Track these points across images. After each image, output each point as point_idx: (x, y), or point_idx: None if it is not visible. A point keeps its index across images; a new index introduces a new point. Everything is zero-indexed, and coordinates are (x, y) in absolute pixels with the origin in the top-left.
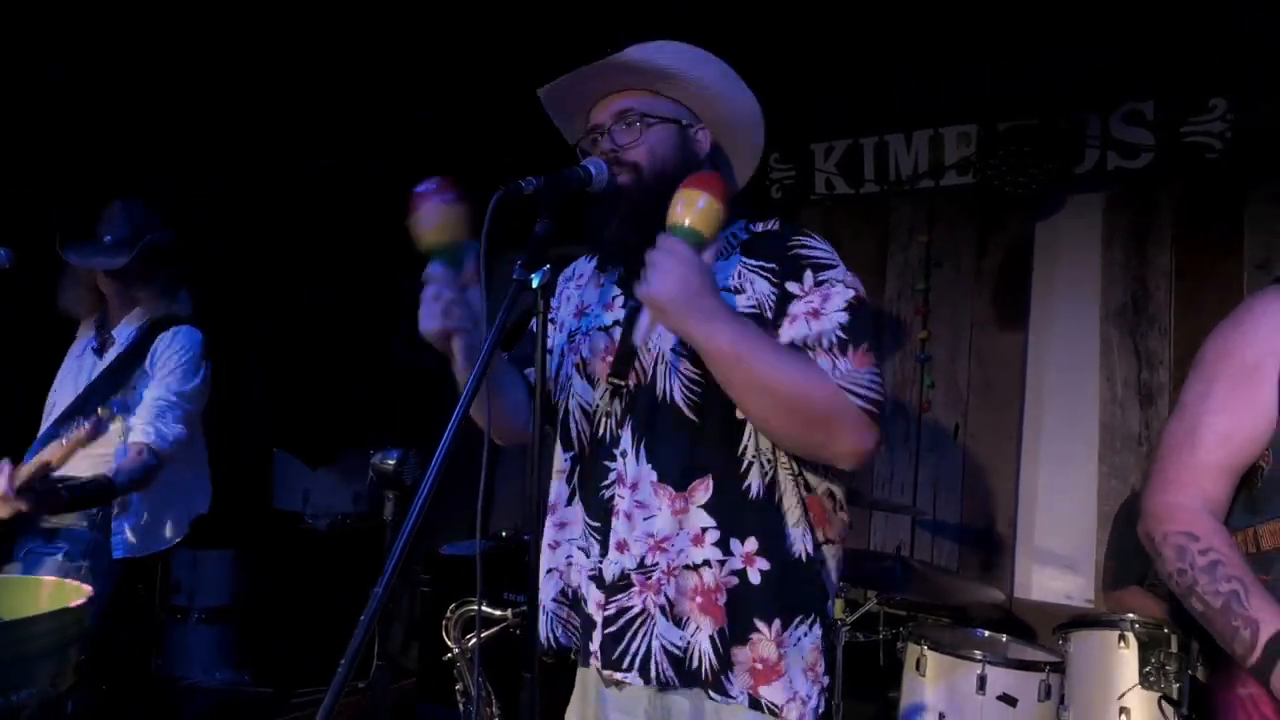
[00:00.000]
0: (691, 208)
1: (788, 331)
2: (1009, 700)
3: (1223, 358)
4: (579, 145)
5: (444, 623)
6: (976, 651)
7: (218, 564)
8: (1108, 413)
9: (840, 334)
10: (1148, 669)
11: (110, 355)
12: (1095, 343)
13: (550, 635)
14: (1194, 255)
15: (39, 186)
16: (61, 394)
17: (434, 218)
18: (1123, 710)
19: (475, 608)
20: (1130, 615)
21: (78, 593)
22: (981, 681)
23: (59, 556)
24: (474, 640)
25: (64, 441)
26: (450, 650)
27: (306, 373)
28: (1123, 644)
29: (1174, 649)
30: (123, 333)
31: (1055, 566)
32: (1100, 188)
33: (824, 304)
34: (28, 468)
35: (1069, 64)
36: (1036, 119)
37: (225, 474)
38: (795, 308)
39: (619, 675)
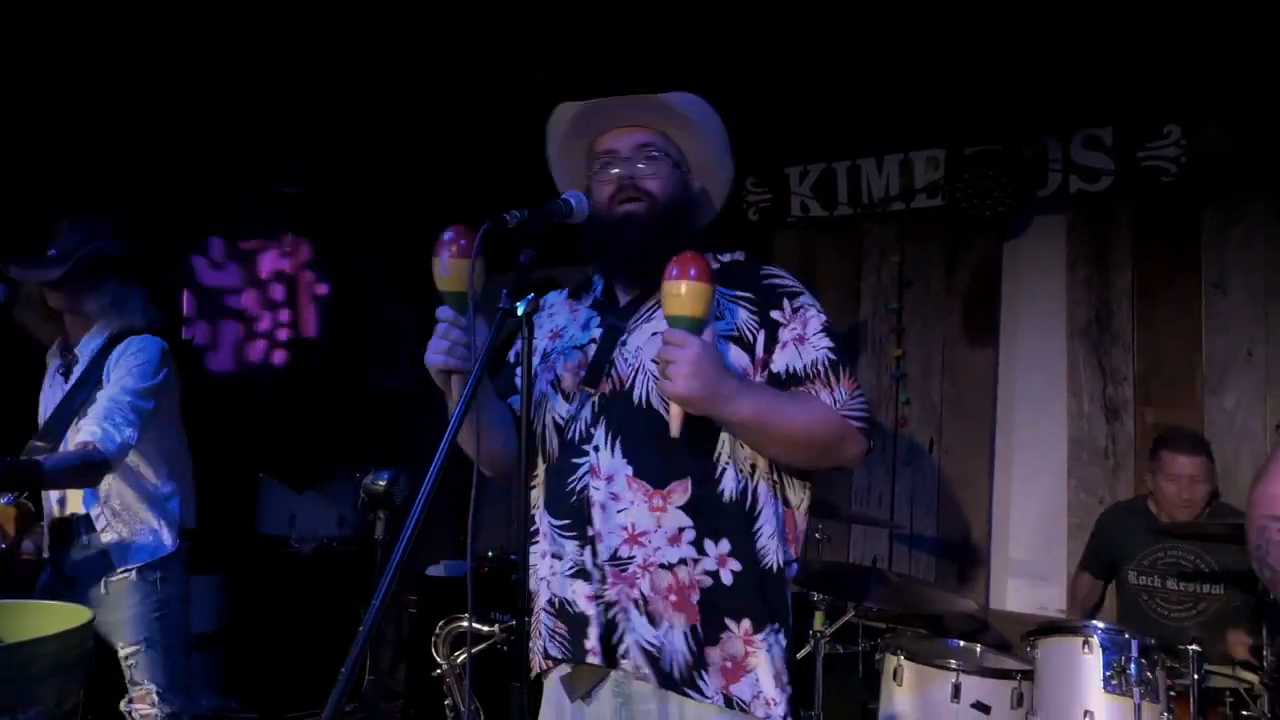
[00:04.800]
0: (687, 296)
1: (780, 358)
2: (982, 708)
3: None
4: (589, 160)
5: (433, 639)
6: (951, 661)
7: (204, 589)
8: (1075, 427)
9: (830, 358)
10: (1110, 673)
11: (75, 374)
12: (1062, 359)
13: (542, 649)
14: (1154, 274)
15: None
16: (42, 416)
17: (446, 268)
18: (1087, 713)
19: (463, 625)
20: (1095, 622)
21: (79, 615)
22: (956, 690)
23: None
24: (463, 656)
25: None
26: (439, 666)
27: (290, 399)
28: (1086, 649)
29: (1134, 653)
30: (85, 350)
31: (1028, 577)
32: (1063, 210)
33: (805, 328)
34: None
35: (1031, 92)
36: (1001, 144)
37: (211, 499)
38: (783, 334)
39: (618, 662)
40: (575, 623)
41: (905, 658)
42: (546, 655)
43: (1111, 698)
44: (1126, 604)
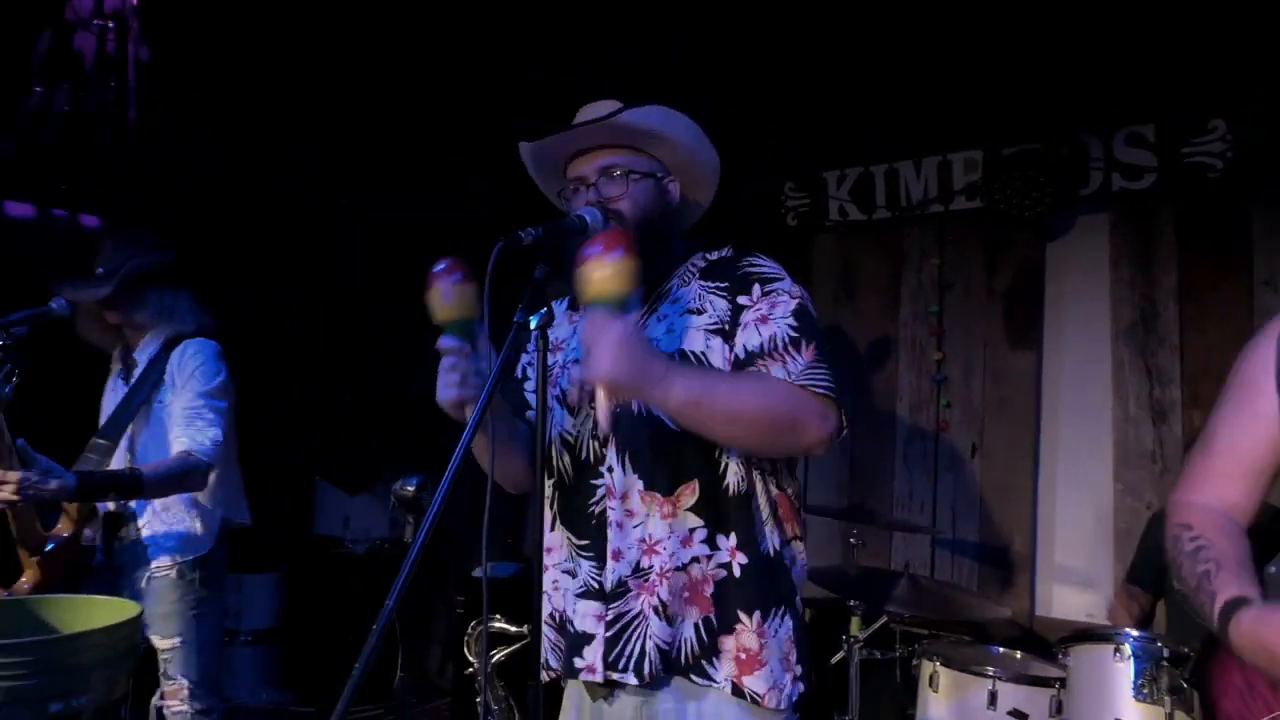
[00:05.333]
0: (604, 275)
1: (741, 338)
2: (1019, 715)
3: (1231, 376)
4: (560, 194)
5: (465, 639)
6: (988, 668)
7: (262, 587)
8: (1121, 431)
9: (791, 334)
10: (1140, 681)
11: (134, 378)
12: (1107, 361)
13: (544, 658)
14: (1200, 273)
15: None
16: (106, 416)
17: (447, 296)
18: None
19: (494, 626)
20: (1128, 629)
21: (128, 610)
22: (992, 697)
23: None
24: (492, 655)
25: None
26: (472, 665)
27: (345, 405)
28: (1118, 656)
29: (1166, 660)
30: (142, 355)
31: (1074, 584)
32: (1106, 209)
33: (771, 310)
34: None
35: (1070, 89)
36: (1040, 144)
37: (270, 501)
38: (746, 316)
39: (615, 675)
40: (575, 640)
41: (941, 664)
42: (547, 666)
43: (1142, 706)
44: (1176, 615)
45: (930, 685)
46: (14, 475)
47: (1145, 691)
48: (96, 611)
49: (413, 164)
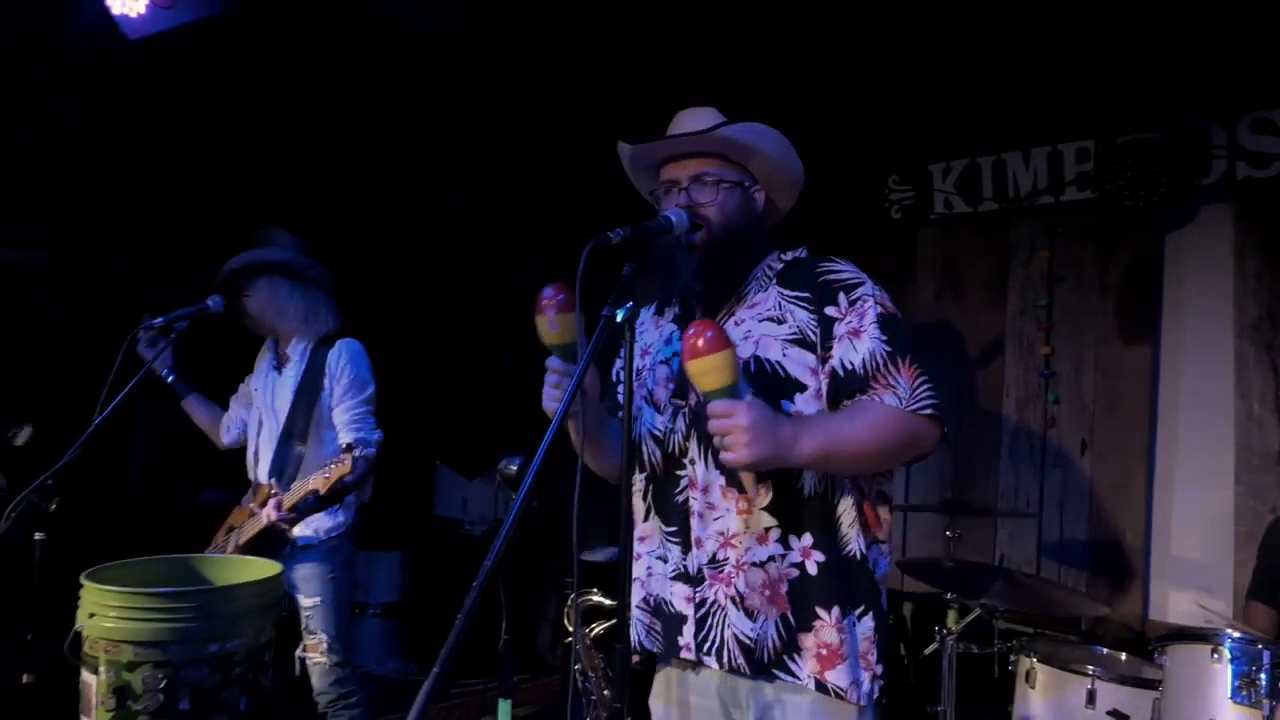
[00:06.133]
0: (710, 371)
1: (839, 353)
2: (1119, 716)
3: None
4: (652, 194)
5: (564, 610)
6: (1088, 666)
7: (387, 565)
8: (1244, 430)
9: (886, 350)
10: (1238, 683)
11: (289, 372)
12: (1229, 358)
13: (637, 640)
14: None
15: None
16: (259, 397)
17: (554, 325)
18: None
19: (591, 599)
20: (1227, 629)
21: (271, 568)
22: (1091, 696)
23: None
24: (590, 628)
25: (327, 475)
26: (569, 635)
27: (463, 393)
28: (1215, 658)
29: (1266, 664)
30: (294, 350)
31: (1192, 588)
32: (1229, 199)
33: (861, 320)
34: (292, 495)
35: (1189, 74)
36: (1157, 131)
37: (394, 484)
38: (838, 329)
39: (703, 658)
40: (671, 621)
41: (1039, 660)
42: (642, 648)
43: (1239, 709)
44: None
45: (1027, 681)
46: (289, 501)
47: (1244, 694)
48: (244, 569)
49: (528, 166)
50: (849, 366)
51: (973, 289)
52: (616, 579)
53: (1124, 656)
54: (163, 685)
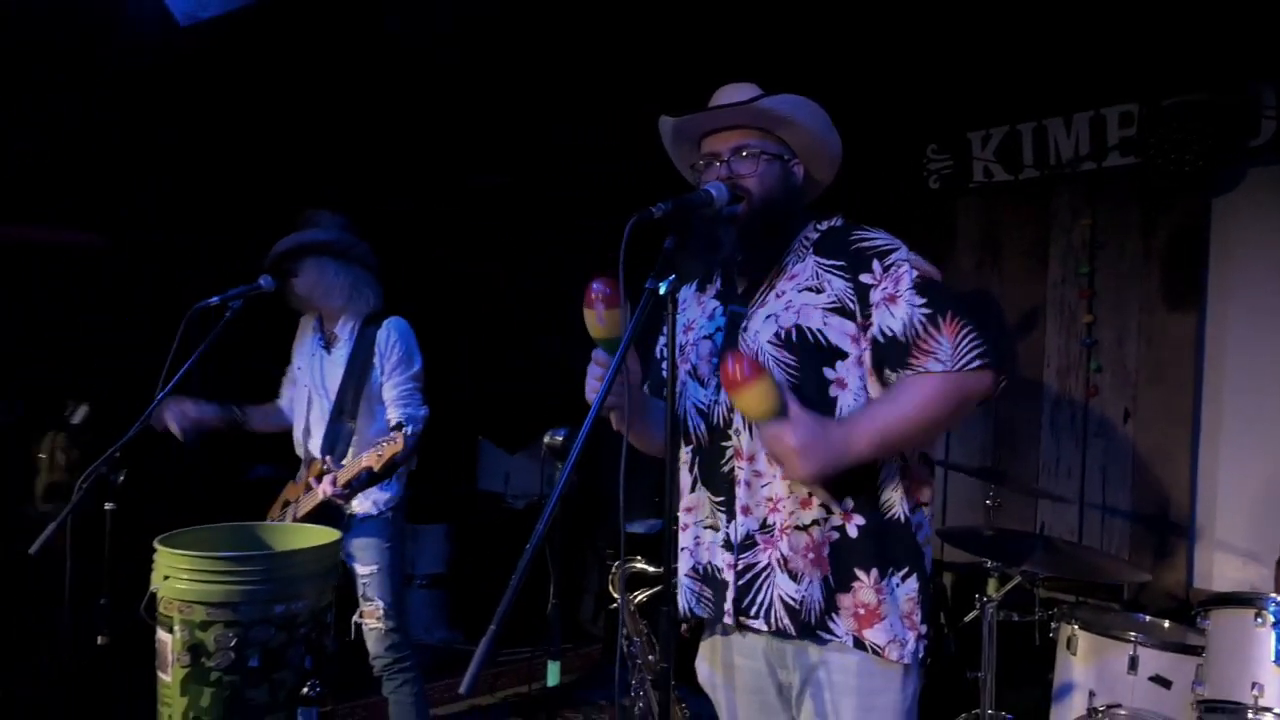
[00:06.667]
0: (760, 398)
1: (878, 319)
2: (1162, 682)
3: None
4: (693, 167)
5: (609, 577)
6: (1130, 633)
7: (433, 537)
8: None
9: (924, 314)
10: None
11: (337, 351)
12: (1278, 325)
13: (687, 607)
14: None
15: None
16: (304, 375)
17: (601, 320)
18: (1255, 685)
19: (635, 567)
20: (1272, 594)
21: (330, 535)
22: (1133, 662)
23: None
24: (634, 595)
25: (379, 453)
26: (614, 600)
27: (504, 370)
28: (1259, 621)
29: None
30: (342, 330)
31: (1238, 556)
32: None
33: (896, 286)
34: (347, 472)
35: (1236, 33)
36: (1204, 93)
37: (437, 459)
38: (874, 295)
39: (747, 621)
40: (719, 588)
41: (1080, 627)
42: (692, 614)
43: None
44: None
45: (1069, 648)
46: (344, 477)
47: None
48: (304, 536)
49: (569, 142)
50: (889, 334)
51: (1012, 258)
52: (657, 548)
53: (1167, 623)
54: (233, 644)
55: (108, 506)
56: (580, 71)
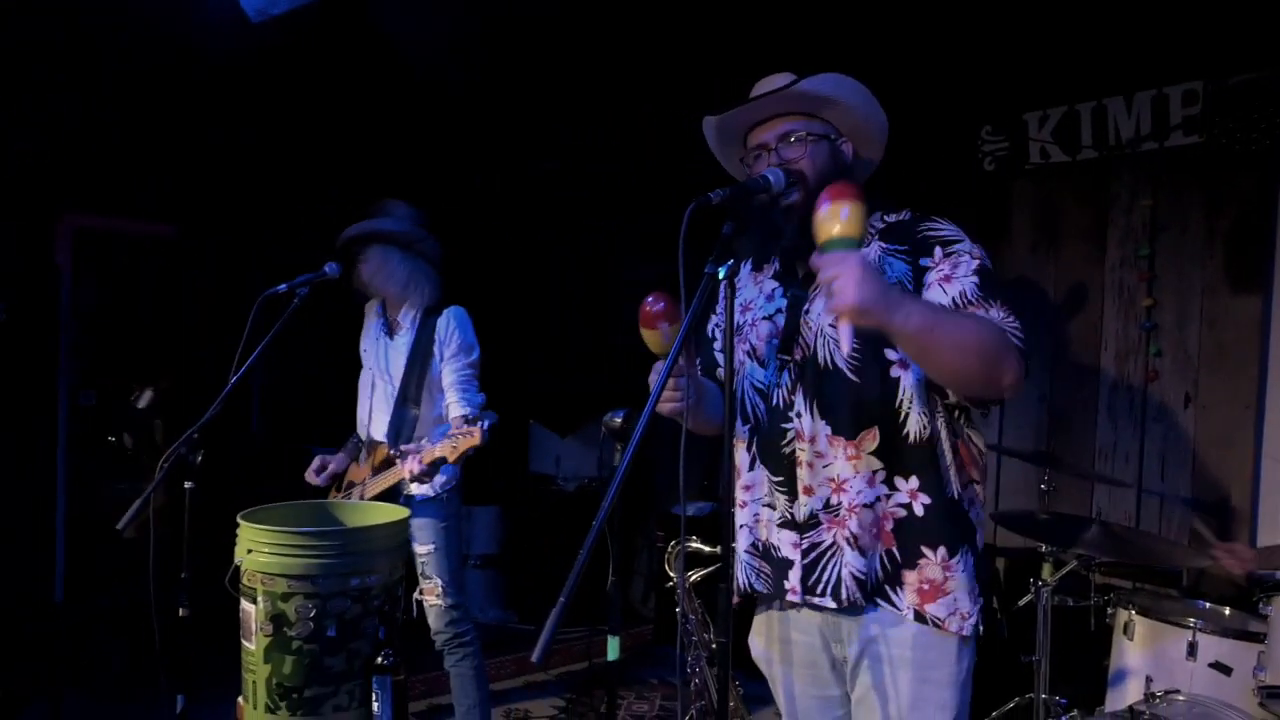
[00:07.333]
0: (841, 220)
1: (928, 297)
2: (1222, 669)
3: None
4: (743, 161)
5: (666, 557)
6: (1189, 619)
7: (486, 518)
8: None
9: (978, 290)
10: None
11: (400, 339)
12: None
13: (746, 582)
14: None
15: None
16: (368, 359)
17: (666, 338)
18: None
19: (691, 546)
20: None
21: (400, 512)
22: (1192, 648)
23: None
24: (690, 574)
25: (455, 445)
26: (665, 581)
27: (555, 356)
28: None
29: None
30: (404, 317)
31: None
32: None
33: (954, 270)
34: (429, 454)
35: None
36: (1271, 70)
37: (490, 443)
38: (929, 277)
39: (815, 599)
40: (779, 565)
41: (1138, 612)
42: (751, 590)
43: None
44: None
45: (1125, 633)
46: (427, 458)
47: None
48: (375, 513)
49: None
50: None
51: (1069, 240)
52: (716, 528)
53: (1227, 610)
54: (313, 614)
55: (187, 485)
56: (633, 63)
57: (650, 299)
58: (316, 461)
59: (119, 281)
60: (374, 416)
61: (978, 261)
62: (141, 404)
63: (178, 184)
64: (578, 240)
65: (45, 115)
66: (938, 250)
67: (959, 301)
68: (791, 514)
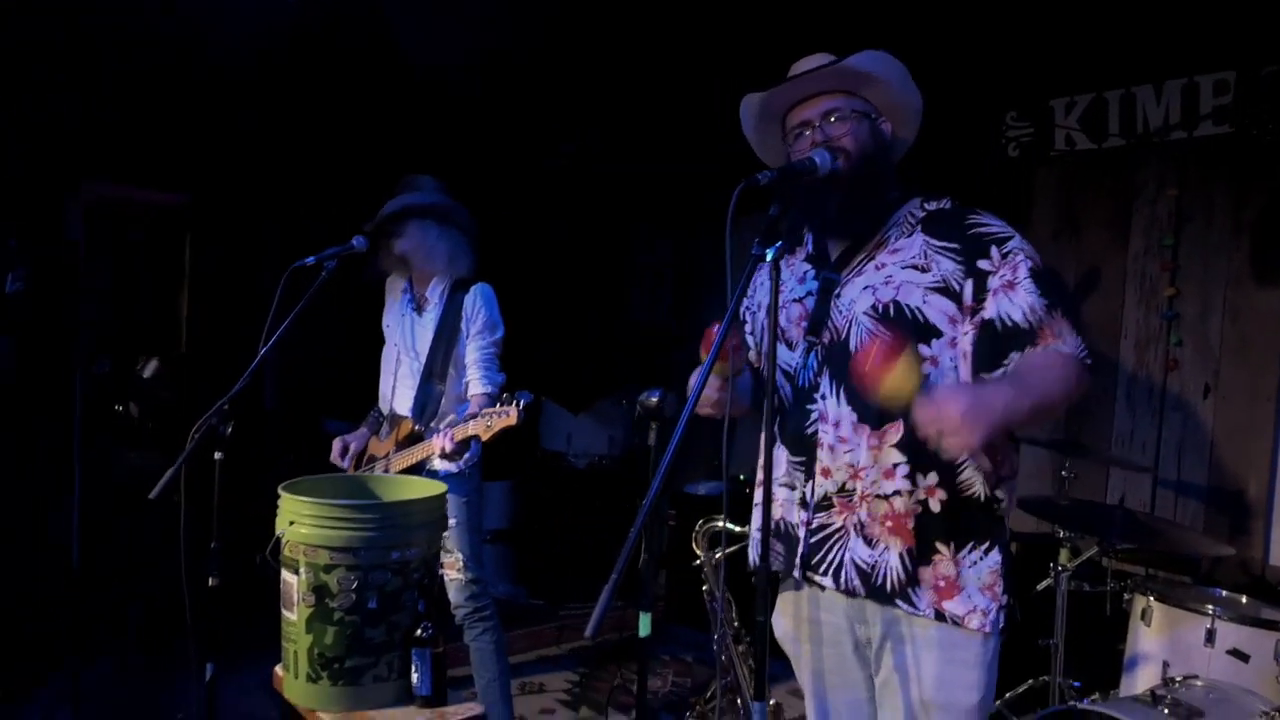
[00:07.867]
0: (901, 385)
1: (992, 305)
2: (1240, 655)
3: None
4: (785, 139)
5: (693, 535)
6: (1208, 606)
7: (497, 493)
8: None
9: (1045, 303)
10: None
11: (428, 314)
12: None
13: (758, 559)
14: None
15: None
16: (393, 334)
17: (735, 361)
18: None
19: (720, 524)
20: None
21: (437, 487)
22: (1210, 635)
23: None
24: (716, 551)
25: (489, 424)
26: (698, 557)
27: (568, 334)
28: None
29: None
30: (433, 293)
31: None
32: None
33: (1014, 274)
34: (462, 430)
35: None
36: None
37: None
38: (992, 282)
39: (815, 577)
40: (790, 543)
41: (1155, 599)
42: (768, 568)
43: None
44: None
45: (1143, 619)
46: (459, 435)
47: None
48: (410, 487)
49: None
50: (1009, 322)
51: (1092, 228)
52: (730, 507)
53: (1244, 598)
54: (354, 586)
55: (217, 456)
56: (657, 45)
57: (714, 328)
58: (338, 444)
59: (131, 252)
60: (398, 392)
61: (1031, 263)
62: (147, 374)
63: (191, 155)
64: (594, 216)
65: (61, 91)
66: (994, 250)
67: (1029, 319)
68: (805, 494)
